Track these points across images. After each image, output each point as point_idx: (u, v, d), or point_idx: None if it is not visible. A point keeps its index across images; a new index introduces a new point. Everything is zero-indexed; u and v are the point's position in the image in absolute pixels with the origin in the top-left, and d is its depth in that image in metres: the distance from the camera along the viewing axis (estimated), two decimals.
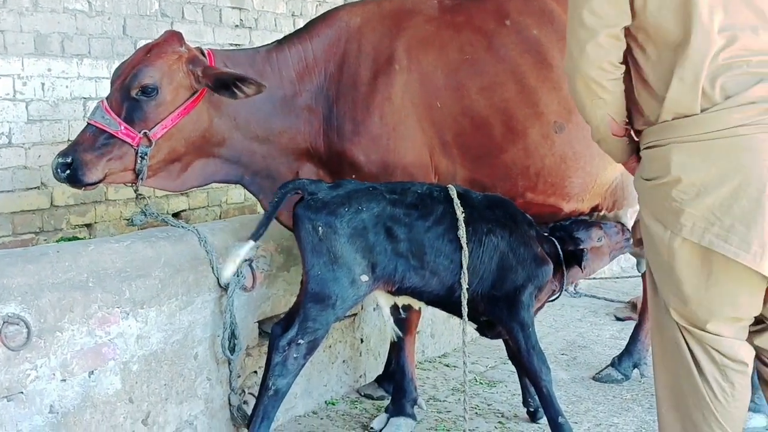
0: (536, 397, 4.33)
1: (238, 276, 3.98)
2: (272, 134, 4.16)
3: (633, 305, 6.73)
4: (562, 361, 5.56)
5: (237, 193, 6.22)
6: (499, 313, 3.90)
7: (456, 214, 3.76)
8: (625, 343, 5.42)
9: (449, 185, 3.93)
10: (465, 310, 3.78)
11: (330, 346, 4.65)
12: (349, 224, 3.64)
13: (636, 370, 5.14)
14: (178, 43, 3.92)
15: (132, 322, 3.55)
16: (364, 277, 3.68)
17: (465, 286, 3.75)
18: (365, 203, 3.68)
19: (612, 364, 5.17)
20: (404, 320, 4.28)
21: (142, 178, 3.83)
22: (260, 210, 6.41)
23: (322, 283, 3.64)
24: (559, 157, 4.18)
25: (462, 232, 3.74)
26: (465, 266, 3.73)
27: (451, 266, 3.76)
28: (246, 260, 4.06)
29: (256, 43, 6.25)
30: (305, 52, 4.23)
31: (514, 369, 5.28)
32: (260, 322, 4.24)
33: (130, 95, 3.79)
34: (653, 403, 4.72)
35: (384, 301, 3.95)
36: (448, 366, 5.41)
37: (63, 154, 3.71)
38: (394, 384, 4.39)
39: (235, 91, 3.77)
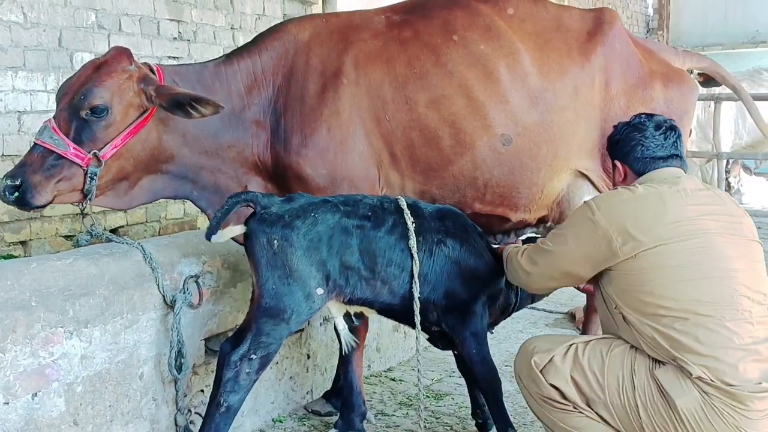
0: (485, 408, 4.35)
1: (183, 293, 3.91)
2: (221, 148, 4.11)
3: (572, 316, 6.83)
4: (507, 373, 5.56)
5: (176, 209, 6.12)
6: (451, 323, 3.90)
7: (407, 224, 3.76)
8: None
9: (399, 197, 3.94)
10: (418, 319, 3.79)
11: (277, 363, 4.58)
12: (305, 237, 3.61)
13: None
14: (127, 61, 3.83)
15: (76, 341, 3.44)
16: (319, 290, 3.65)
17: (417, 295, 3.75)
18: (320, 216, 3.66)
19: None
20: (354, 333, 4.25)
21: (90, 198, 3.74)
22: (201, 225, 6.33)
23: (276, 297, 3.60)
24: (506, 168, 4.23)
25: (412, 242, 3.74)
26: (416, 275, 3.74)
27: (401, 275, 3.76)
28: (192, 276, 4.00)
29: (194, 56, 6.17)
30: (254, 66, 4.19)
31: (461, 382, 5.32)
32: (206, 340, 4.16)
33: (79, 115, 3.70)
34: None
35: (336, 310, 3.91)
36: (394, 380, 5.38)
37: (11, 176, 3.59)
38: (342, 399, 4.35)
39: (191, 111, 3.71)
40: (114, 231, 5.58)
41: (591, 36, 4.44)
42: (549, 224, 4.60)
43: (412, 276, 3.75)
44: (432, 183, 4.24)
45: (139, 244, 3.86)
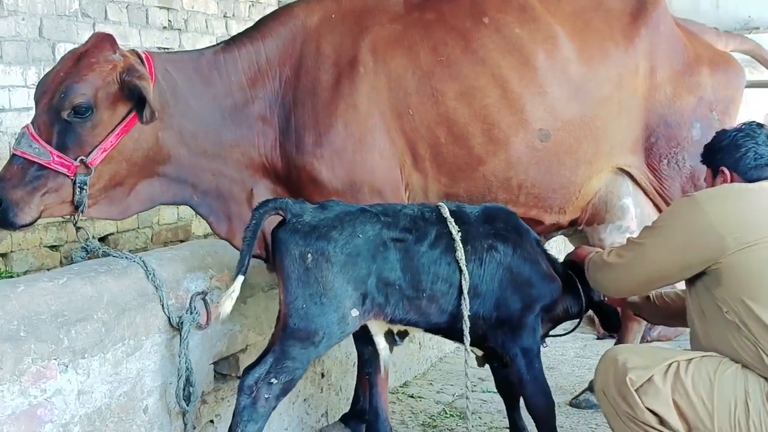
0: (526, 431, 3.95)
1: (191, 313, 3.46)
2: (222, 149, 3.67)
3: (591, 320, 6.44)
4: None
5: (169, 213, 5.65)
6: (500, 338, 3.51)
7: (452, 234, 3.36)
8: (590, 361, 5.10)
9: (440, 203, 3.52)
10: (467, 341, 3.41)
11: None
12: (342, 251, 3.20)
13: None
14: (110, 49, 3.38)
15: (72, 375, 2.98)
16: (354, 312, 3.26)
17: (466, 313, 3.36)
18: (359, 227, 3.25)
19: (590, 389, 4.80)
20: (373, 351, 3.82)
21: (82, 210, 3.32)
22: (196, 231, 5.87)
23: (306, 317, 3.19)
24: (543, 167, 3.83)
25: (460, 254, 3.33)
26: (465, 291, 3.35)
27: (450, 291, 3.37)
28: (199, 293, 3.55)
29: (186, 46, 5.71)
30: (257, 54, 3.75)
31: (485, 397, 4.97)
32: (215, 363, 3.72)
33: (60, 117, 3.26)
34: None
35: (377, 328, 3.49)
36: (413, 397, 4.96)
37: None
38: (367, 427, 3.92)
39: (141, 111, 3.30)
40: (103, 239, 5.11)
41: (634, 17, 4.03)
42: (581, 227, 4.19)
43: (460, 291, 3.35)
44: (459, 185, 3.82)
45: (140, 258, 3.40)
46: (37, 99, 3.34)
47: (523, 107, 3.75)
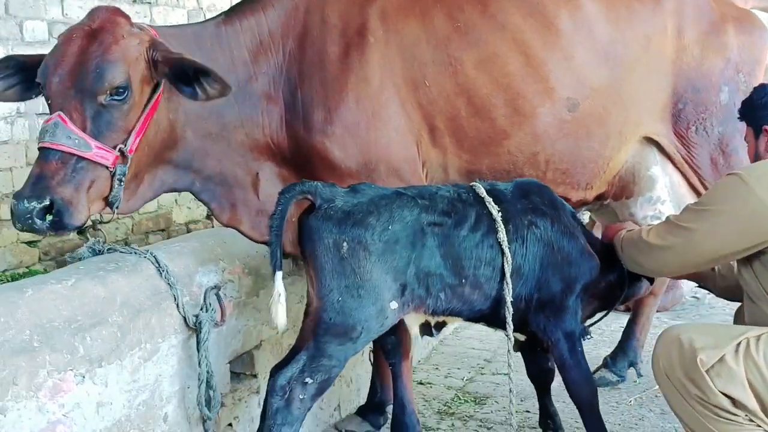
0: (557, 418, 3.77)
1: (207, 310, 3.17)
2: (226, 129, 3.37)
3: None
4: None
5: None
6: (542, 322, 3.30)
7: (492, 215, 3.13)
8: (603, 339, 4.94)
9: (474, 183, 3.29)
10: (510, 329, 3.21)
11: None
12: (380, 238, 2.95)
13: (631, 370, 4.64)
14: (127, 23, 3.04)
15: (89, 386, 2.68)
16: (393, 304, 3.02)
17: (509, 299, 3.15)
18: (397, 212, 3.01)
19: (605, 365, 4.65)
20: (396, 341, 3.58)
21: (117, 206, 2.98)
22: (176, 219, 5.52)
23: (343, 311, 2.95)
24: (572, 139, 3.60)
25: (502, 235, 3.11)
26: (507, 274, 3.13)
27: (493, 275, 3.15)
28: (213, 288, 3.26)
29: (157, 21, 5.32)
30: (258, 27, 3.44)
31: (496, 380, 4.77)
32: (230, 362, 3.44)
33: (95, 101, 2.90)
34: (664, 405, 4.26)
35: (413, 320, 3.24)
36: (422, 384, 4.72)
37: (33, 196, 2.75)
38: (394, 421, 3.67)
39: (196, 88, 2.98)
40: (81, 232, 4.73)
41: None
42: (607, 202, 3.99)
43: (503, 274, 3.13)
44: (482, 161, 3.58)
45: (150, 253, 3.09)
46: (56, 83, 2.92)
47: (548, 74, 3.52)
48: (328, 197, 3.00)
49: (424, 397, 4.52)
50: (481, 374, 4.89)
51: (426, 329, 3.35)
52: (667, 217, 3.05)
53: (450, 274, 3.08)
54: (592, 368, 4.65)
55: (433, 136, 3.51)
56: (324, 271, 2.96)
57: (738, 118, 3.14)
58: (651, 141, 3.86)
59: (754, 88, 3.06)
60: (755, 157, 3.01)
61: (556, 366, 3.46)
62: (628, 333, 4.64)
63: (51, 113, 2.89)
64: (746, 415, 2.69)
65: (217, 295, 3.28)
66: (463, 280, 3.12)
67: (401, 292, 3.03)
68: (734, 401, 2.72)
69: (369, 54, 3.42)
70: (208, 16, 5.20)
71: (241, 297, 3.44)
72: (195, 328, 3.10)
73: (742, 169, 2.89)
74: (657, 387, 4.48)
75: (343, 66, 3.40)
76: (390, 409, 4.07)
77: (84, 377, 2.65)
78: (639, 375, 4.64)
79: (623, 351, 4.62)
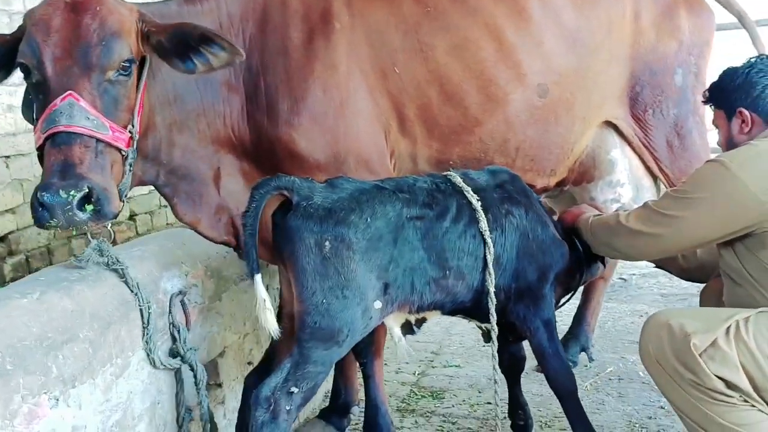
0: (527, 407, 3.72)
1: (173, 319, 2.97)
2: (189, 119, 3.16)
3: None
4: (490, 355, 4.93)
5: None
6: (521, 311, 3.23)
7: (472, 205, 3.03)
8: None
9: (448, 172, 3.18)
10: (494, 319, 3.14)
11: None
12: (364, 236, 2.81)
13: (583, 354, 4.65)
14: None
15: (64, 409, 2.44)
16: (378, 304, 2.88)
17: (491, 289, 3.08)
18: (379, 207, 2.87)
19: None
20: (367, 339, 3.44)
21: (125, 195, 2.75)
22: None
23: (328, 314, 2.78)
24: (541, 125, 3.55)
25: (483, 225, 3.03)
26: (490, 263, 3.05)
27: (476, 264, 3.06)
28: (178, 294, 3.05)
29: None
30: (218, 8, 3.25)
31: (449, 372, 4.70)
32: None
33: (105, 78, 2.66)
34: (621, 389, 4.28)
35: (394, 319, 3.10)
36: None
37: (70, 184, 2.49)
38: (367, 422, 3.53)
39: (196, 58, 2.77)
40: (3, 239, 4.39)
41: None
42: (567, 187, 3.95)
43: (485, 264, 3.04)
44: (453, 150, 3.47)
45: (115, 260, 2.83)
46: (57, 59, 2.64)
47: (520, 61, 3.44)
48: (306, 194, 2.83)
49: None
50: (432, 368, 4.80)
51: (407, 328, 3.22)
52: (645, 203, 3.02)
53: (434, 267, 2.97)
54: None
55: (402, 125, 3.38)
56: (306, 273, 2.79)
57: (703, 101, 3.14)
58: (610, 125, 3.84)
59: (723, 72, 3.04)
60: (728, 141, 3.00)
61: (535, 355, 3.39)
62: (579, 318, 4.64)
63: (47, 95, 2.63)
64: (740, 396, 2.68)
65: (182, 302, 3.07)
66: (447, 272, 3.01)
67: (384, 290, 2.90)
68: (728, 383, 2.71)
69: (335, 40, 3.26)
70: None
71: (205, 302, 3.24)
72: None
73: (724, 155, 2.86)
74: (610, 370, 4.61)
75: (308, 53, 3.23)
76: (355, 410, 3.94)
77: (58, 400, 2.41)
78: (591, 359, 4.66)
79: (575, 336, 4.62)
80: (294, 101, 3.24)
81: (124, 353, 2.73)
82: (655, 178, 3.97)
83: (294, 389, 2.79)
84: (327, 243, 2.78)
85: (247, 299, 3.58)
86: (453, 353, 5.02)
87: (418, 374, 4.70)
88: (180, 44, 2.79)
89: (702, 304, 3.45)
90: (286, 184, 2.85)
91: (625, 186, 3.88)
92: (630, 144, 3.86)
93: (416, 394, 4.41)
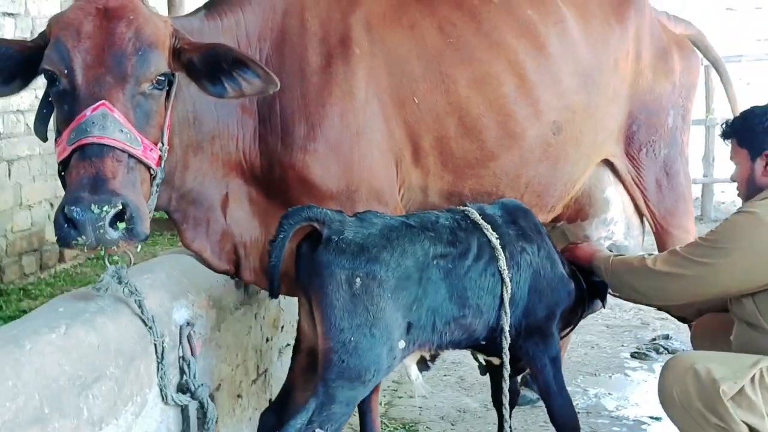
0: None
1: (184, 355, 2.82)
2: (205, 140, 3.04)
3: None
4: (457, 386, 4.91)
5: (23, 217, 4.67)
6: (531, 348, 3.22)
7: (491, 242, 3.04)
8: None
9: (466, 208, 3.16)
10: (506, 357, 3.13)
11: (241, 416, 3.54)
12: (394, 274, 2.76)
13: None
14: (141, 2, 2.60)
15: None
16: (402, 343, 2.84)
17: (506, 328, 3.07)
18: (408, 246, 2.83)
19: (525, 384, 4.61)
20: None
21: (150, 218, 2.54)
22: (49, 237, 4.91)
23: (355, 353, 2.72)
24: (551, 162, 3.56)
25: (502, 264, 3.02)
26: (506, 301, 3.05)
27: (494, 302, 3.05)
28: (187, 325, 2.89)
29: (32, 12, 4.70)
30: (237, 26, 3.13)
31: (419, 403, 4.64)
32: None
33: (139, 90, 2.49)
34: (591, 423, 4.32)
35: (410, 358, 3.03)
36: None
37: (103, 200, 2.29)
38: None
39: (228, 83, 2.62)
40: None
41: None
42: (561, 224, 3.98)
43: (501, 301, 3.04)
44: (465, 183, 3.44)
45: (135, 289, 2.63)
46: (89, 67, 2.46)
47: (539, 97, 3.43)
48: (337, 228, 2.75)
49: (353, 428, 4.29)
50: (399, 398, 4.73)
51: (423, 364, 3.15)
52: (673, 250, 3.10)
53: (454, 306, 2.95)
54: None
55: (416, 156, 3.32)
56: (334, 309, 2.71)
57: (723, 136, 3.18)
58: (607, 163, 3.89)
59: (751, 111, 3.12)
60: (749, 180, 3.07)
61: (539, 391, 3.38)
62: None
63: (76, 105, 2.44)
64: None
65: (189, 334, 2.90)
66: (467, 311, 2.99)
67: (408, 329, 2.85)
68: (751, 428, 2.78)
69: (354, 66, 3.18)
70: None
71: (207, 333, 3.08)
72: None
73: (755, 206, 2.94)
74: (577, 404, 4.62)
75: (326, 77, 3.13)
76: None
77: None
78: None
79: None
80: (311, 127, 3.14)
81: (143, 390, 2.56)
82: (641, 216, 4.03)
83: (318, 430, 2.68)
84: (358, 280, 2.71)
85: (240, 329, 3.44)
86: (420, 384, 4.95)
87: (386, 404, 4.62)
88: (212, 66, 2.65)
89: (695, 341, 3.53)
90: (318, 215, 2.76)
91: (618, 224, 3.93)
92: (623, 182, 3.92)
93: (388, 426, 4.33)
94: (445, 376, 5.08)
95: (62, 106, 2.50)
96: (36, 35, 2.70)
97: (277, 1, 3.18)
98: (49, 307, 2.52)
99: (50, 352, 2.19)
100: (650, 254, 3.21)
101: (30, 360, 2.10)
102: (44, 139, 2.74)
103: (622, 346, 5.58)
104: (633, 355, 5.41)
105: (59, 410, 2.10)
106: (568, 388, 4.70)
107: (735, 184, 3.21)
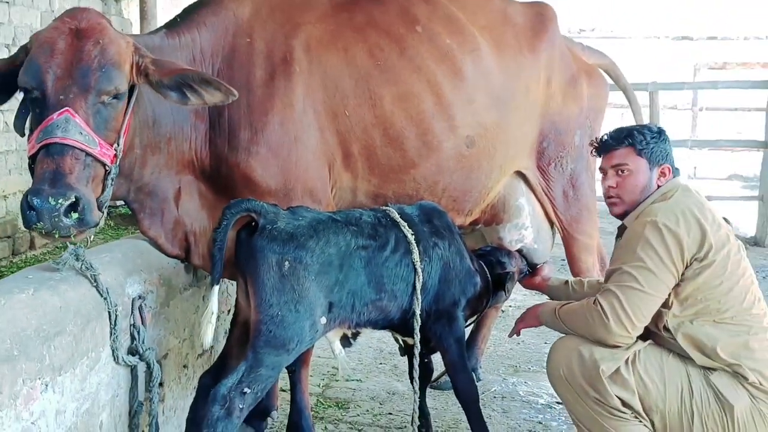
0: (429, 417, 4.20)
1: (134, 321, 3.30)
2: (162, 141, 3.51)
3: None
4: (390, 372, 5.41)
5: None
6: (439, 330, 3.72)
7: (407, 238, 3.54)
8: None
9: (387, 207, 3.67)
10: (417, 337, 3.61)
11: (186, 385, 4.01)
12: (318, 260, 3.23)
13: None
14: (110, 26, 3.10)
15: (51, 394, 2.72)
16: (323, 319, 3.30)
17: (418, 312, 3.57)
18: (332, 237, 3.31)
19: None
20: None
21: (105, 207, 3.01)
22: (21, 226, 5.34)
23: (281, 325, 3.16)
24: (466, 172, 4.06)
25: (416, 256, 3.51)
26: (418, 289, 3.55)
27: (407, 288, 3.55)
28: (138, 298, 3.36)
29: (14, 20, 5.15)
30: (193, 43, 3.62)
31: (352, 386, 5.11)
32: None
33: (99, 100, 2.96)
34: (505, 405, 4.82)
35: (333, 334, 3.51)
36: (284, 390, 4.93)
37: (59, 192, 2.78)
38: (291, 426, 3.92)
39: (191, 95, 3.12)
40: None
41: (535, 31, 4.37)
42: (478, 227, 4.49)
43: (414, 289, 3.53)
44: (389, 186, 3.94)
45: (89, 265, 3.11)
46: (57, 80, 2.93)
47: (454, 114, 3.93)
48: (271, 218, 3.22)
49: (286, 405, 4.76)
50: (335, 381, 5.21)
51: (345, 341, 3.64)
52: (605, 287, 3.32)
53: (372, 291, 3.42)
54: (436, 374, 5.17)
55: (347, 161, 3.81)
56: (265, 287, 3.17)
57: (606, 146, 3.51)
58: (520, 174, 4.41)
59: (647, 127, 3.48)
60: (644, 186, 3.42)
61: (446, 368, 3.89)
62: (471, 342, 5.16)
63: (45, 110, 2.92)
64: (632, 413, 3.24)
65: (141, 306, 3.38)
66: (383, 295, 3.46)
67: (329, 308, 3.32)
68: (624, 402, 3.26)
69: (294, 81, 3.67)
70: None
71: (157, 307, 3.54)
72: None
73: (652, 213, 3.25)
74: (494, 389, 5.15)
75: (270, 90, 3.62)
76: (273, 414, 4.30)
77: (47, 385, 2.69)
78: (478, 379, 5.16)
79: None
80: (254, 132, 3.62)
81: (97, 348, 3.02)
82: (551, 223, 4.56)
83: (247, 390, 3.14)
84: (287, 263, 3.17)
85: (188, 308, 3.91)
86: (354, 369, 5.44)
87: (323, 386, 5.11)
88: (180, 84, 3.15)
89: None
90: (256, 207, 3.23)
91: (528, 229, 4.45)
92: (534, 192, 4.44)
93: (323, 404, 4.81)
94: (380, 364, 5.59)
95: (35, 110, 3.00)
96: (18, 44, 3.21)
97: (229, 23, 3.67)
98: (20, 274, 3.00)
99: (20, 308, 2.66)
100: (582, 280, 3.73)
101: (3, 312, 2.58)
102: (21, 134, 3.22)
103: (545, 343, 6.09)
104: None
105: (26, 354, 2.57)
106: (489, 377, 5.32)
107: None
